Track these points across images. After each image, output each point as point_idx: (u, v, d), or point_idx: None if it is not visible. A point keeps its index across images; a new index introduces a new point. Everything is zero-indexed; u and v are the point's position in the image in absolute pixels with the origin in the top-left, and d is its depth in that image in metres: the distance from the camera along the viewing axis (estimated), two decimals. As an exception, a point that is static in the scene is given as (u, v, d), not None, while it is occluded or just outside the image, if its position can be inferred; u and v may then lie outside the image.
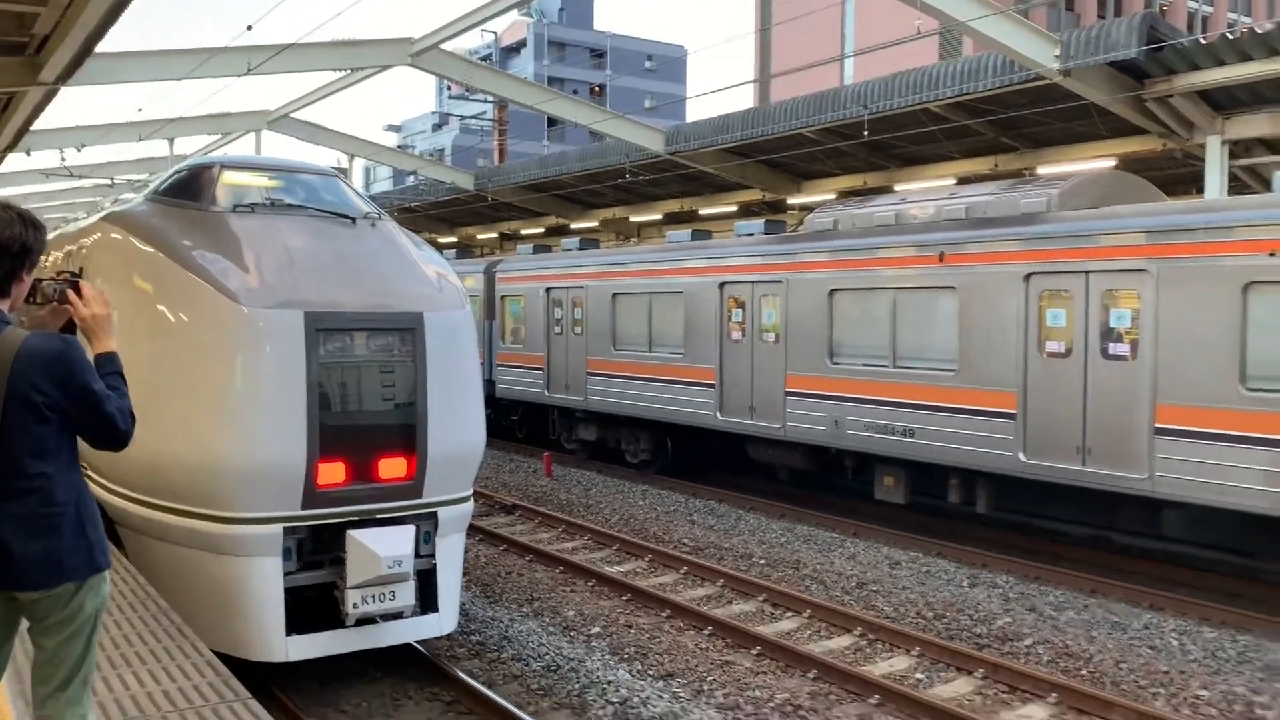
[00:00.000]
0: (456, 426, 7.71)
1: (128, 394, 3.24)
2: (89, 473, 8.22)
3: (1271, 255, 8.97)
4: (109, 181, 23.71)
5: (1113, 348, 10.19)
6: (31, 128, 16.62)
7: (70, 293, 3.30)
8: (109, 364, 3.26)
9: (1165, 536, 11.43)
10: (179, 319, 7.40)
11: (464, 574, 10.89)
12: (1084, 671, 8.28)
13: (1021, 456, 10.89)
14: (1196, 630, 9.15)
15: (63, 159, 21.52)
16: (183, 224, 7.98)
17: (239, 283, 7.21)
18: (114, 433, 3.17)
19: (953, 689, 7.99)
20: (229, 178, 8.45)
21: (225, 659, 6.74)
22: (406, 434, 7.41)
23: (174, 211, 8.22)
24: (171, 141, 22.16)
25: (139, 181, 22.42)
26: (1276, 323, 9.06)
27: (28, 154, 21.07)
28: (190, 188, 8.43)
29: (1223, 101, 12.69)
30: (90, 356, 3.27)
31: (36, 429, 3.07)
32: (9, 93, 13.97)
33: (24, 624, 3.20)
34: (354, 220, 8.29)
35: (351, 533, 7.12)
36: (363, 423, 7.34)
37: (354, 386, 7.37)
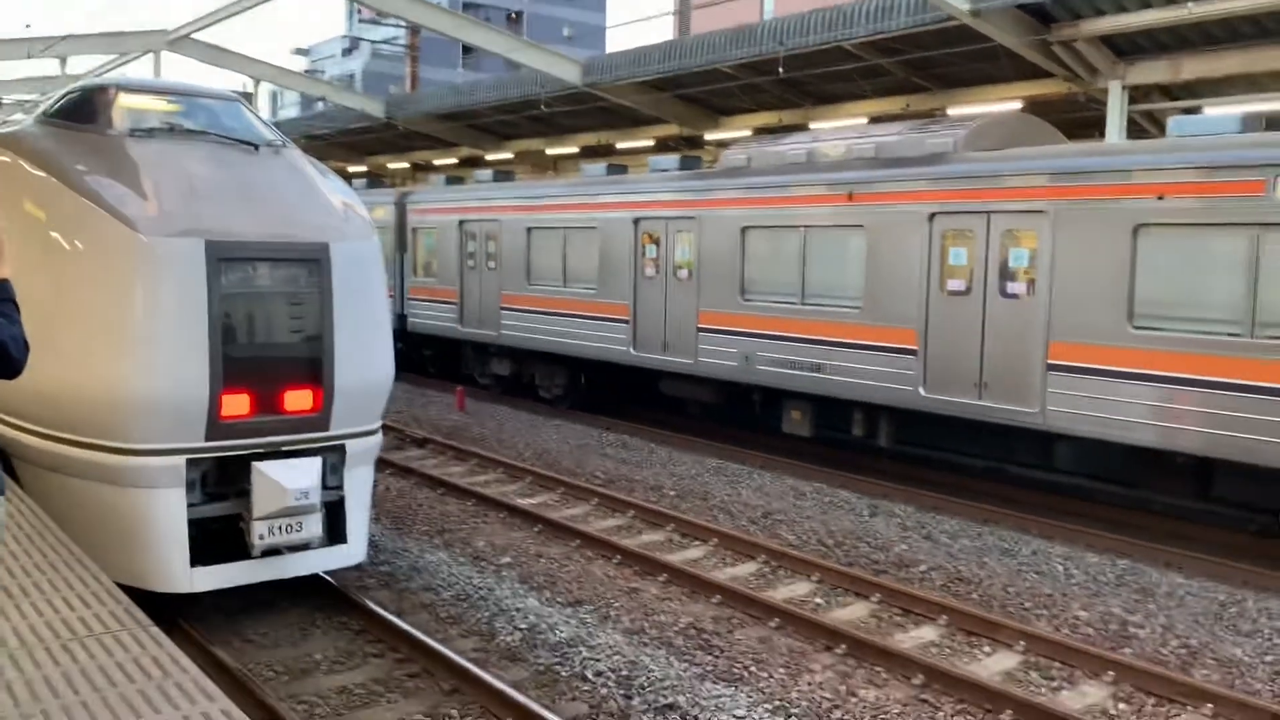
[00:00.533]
0: (364, 359, 7.66)
1: (20, 321, 3.18)
2: (-19, 404, 7.99)
3: (1160, 199, 9.34)
4: (-3, 101, 22.57)
5: (1010, 286, 10.54)
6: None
7: None
8: (1, 291, 3.18)
9: (1057, 469, 11.98)
10: (74, 247, 7.17)
11: (374, 506, 10.91)
12: (974, 595, 8.70)
13: (922, 391, 11.25)
14: (1081, 556, 9.65)
15: (-55, 76, 20.40)
16: (77, 148, 7.69)
17: (137, 210, 7.01)
18: (7, 361, 3.11)
19: (849, 612, 8.32)
20: (126, 100, 8.15)
21: (133, 593, 6.74)
22: (313, 366, 7.34)
23: (68, 135, 7.91)
24: (64, 61, 21.15)
25: (29, 102, 21.39)
26: (1163, 264, 9.46)
27: (-93, 70, 19.95)
28: (85, 110, 8.12)
29: (1125, 47, 13.05)
30: None
31: None
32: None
33: None
34: (257, 147, 8.08)
35: (257, 465, 7.08)
36: (268, 355, 7.25)
37: (259, 318, 7.26)
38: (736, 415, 15.27)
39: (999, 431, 11.35)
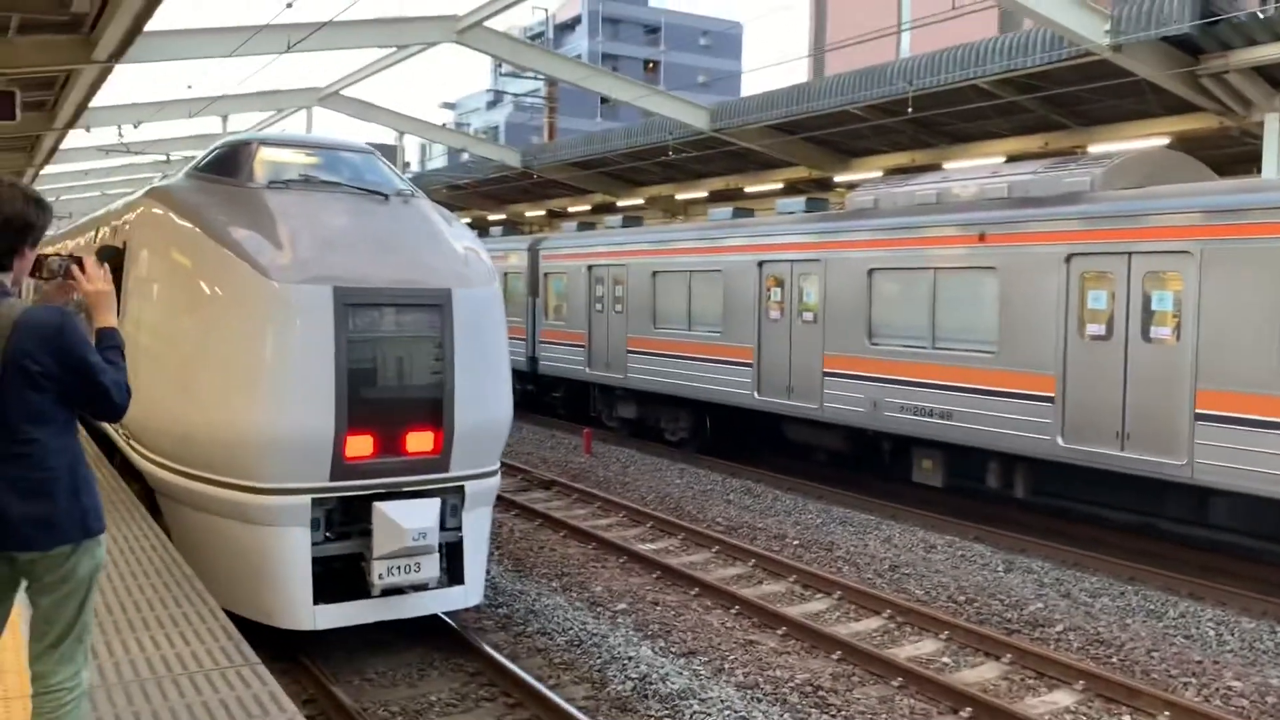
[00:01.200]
0: (483, 401, 7.79)
1: (125, 368, 3.34)
2: (131, 443, 8.46)
3: (1321, 237, 8.70)
4: (165, 157, 24.19)
5: (1154, 331, 9.97)
6: (90, 105, 17.00)
7: (74, 268, 3.40)
8: (109, 339, 3.36)
9: (1211, 524, 11.21)
10: (214, 293, 7.55)
11: (496, 548, 11.05)
12: (1114, 659, 8.17)
13: (1060, 441, 10.71)
14: (1235, 620, 8.96)
15: (120, 135, 21.99)
16: (220, 199, 8.12)
17: (271, 258, 7.32)
18: (109, 404, 3.27)
19: (978, 674, 7.93)
20: (266, 154, 8.58)
21: (260, 627, 6.96)
22: (434, 408, 7.50)
23: (212, 187, 8.37)
24: (225, 118, 22.53)
25: (193, 158, 22.83)
26: (1325, 307, 8.79)
27: (87, 130, 21.57)
28: (228, 164, 8.58)
29: (1281, 78, 12.30)
30: (92, 331, 3.37)
31: (32, 397, 3.17)
32: (66, 70, 14.31)
33: None
34: (387, 197, 8.35)
35: (378, 504, 7.25)
36: (391, 396, 7.44)
37: (383, 361, 7.47)
38: (865, 463, 14.88)
39: (1146, 484, 10.70)
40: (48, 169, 26.18)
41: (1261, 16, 11.31)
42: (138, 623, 4.83)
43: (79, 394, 3.24)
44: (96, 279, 3.40)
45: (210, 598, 5.29)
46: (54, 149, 22.15)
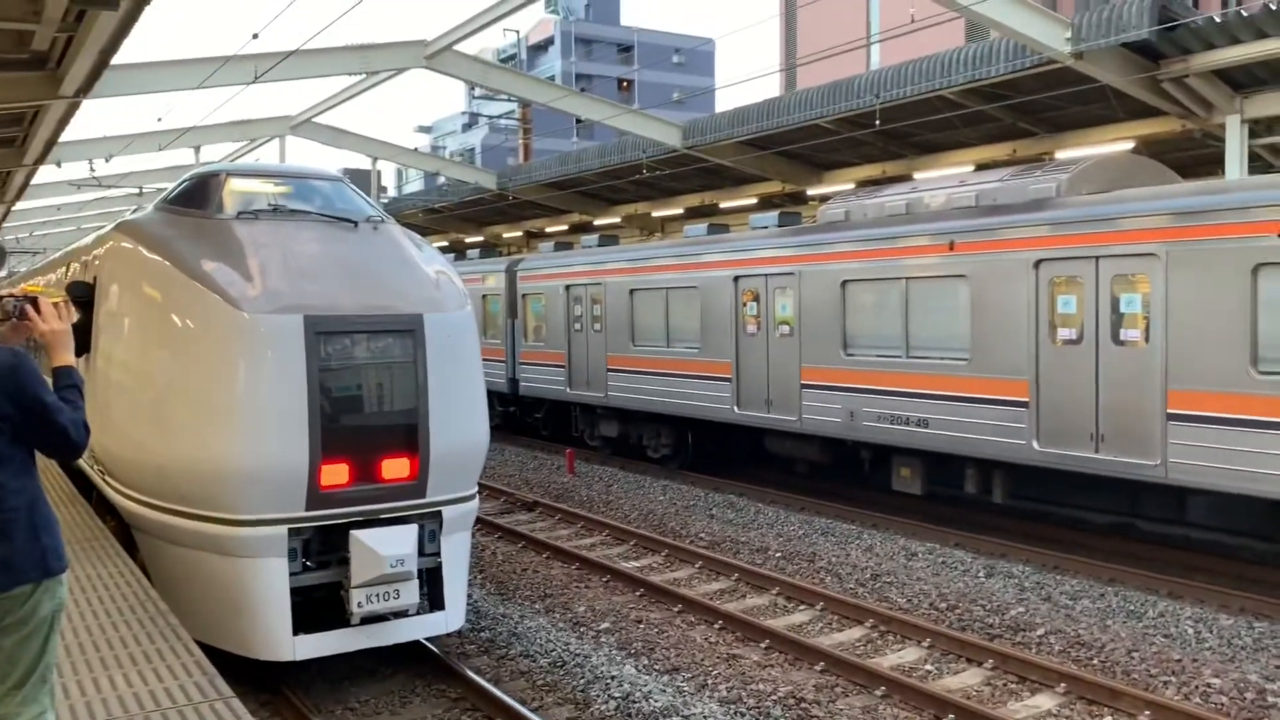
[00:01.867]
0: (458, 426, 7.79)
1: (83, 406, 3.33)
2: (106, 478, 8.41)
3: (1282, 236, 8.82)
4: (138, 190, 24.11)
5: (1124, 333, 10.07)
6: (59, 140, 16.95)
7: (29, 308, 3.39)
8: (66, 377, 3.36)
9: (1190, 522, 11.30)
10: (184, 325, 7.53)
11: (479, 571, 11.03)
12: (1095, 661, 8.21)
13: (1035, 445, 10.79)
14: (1213, 618, 9.03)
15: (92, 170, 21.93)
16: (189, 232, 8.11)
17: (240, 289, 7.32)
18: (66, 443, 3.27)
19: (961, 680, 7.95)
20: (235, 185, 8.58)
21: (241, 659, 6.93)
22: (409, 434, 7.49)
23: (181, 220, 8.36)
24: (197, 149, 22.50)
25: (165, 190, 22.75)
26: (1289, 304, 8.89)
27: (58, 165, 21.48)
28: (197, 196, 8.58)
29: (1241, 80, 12.46)
30: (49, 370, 3.36)
31: None
32: (34, 106, 14.26)
33: None
34: (356, 224, 8.36)
35: (354, 533, 7.22)
36: (365, 424, 7.44)
37: (356, 388, 7.47)
38: (845, 473, 14.93)
39: (1124, 485, 10.79)
40: (19, 205, 26.05)
41: (1218, 20, 11.48)
42: (110, 660, 4.80)
43: (35, 434, 3.23)
44: (51, 318, 3.40)
45: (184, 632, 5.26)
46: (25, 185, 22.05)
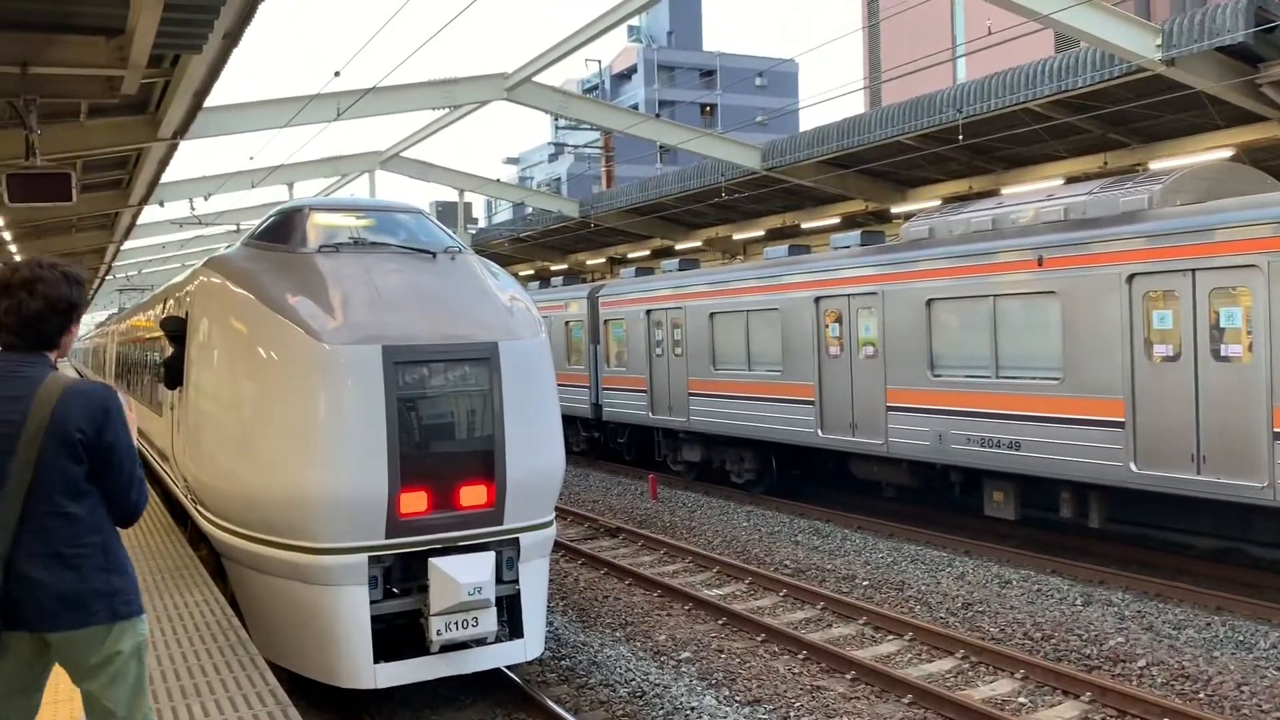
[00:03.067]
0: (535, 452, 7.79)
1: (144, 479, 3.37)
2: (198, 507, 8.64)
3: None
4: (235, 227, 24.94)
5: (1224, 349, 9.61)
6: (161, 180, 17.67)
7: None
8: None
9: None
10: (269, 358, 7.70)
11: (560, 598, 11.02)
12: (1201, 695, 7.80)
13: (1132, 467, 10.35)
14: (1331, 650, 8.51)
15: (192, 209, 22.76)
16: (273, 266, 8.32)
17: (321, 321, 7.46)
18: (128, 498, 3.30)
19: (1056, 713, 7.63)
20: (317, 219, 8.78)
21: (326, 686, 7.01)
22: (485, 461, 7.52)
23: (265, 254, 8.59)
24: (290, 186, 23.17)
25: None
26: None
27: (161, 205, 22.38)
28: (281, 230, 8.81)
29: (1347, 81, 11.88)
30: None
31: (71, 468, 3.17)
32: (136, 149, 14.90)
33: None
34: (434, 255, 8.48)
35: (433, 560, 7.26)
36: (442, 451, 7.49)
37: (433, 417, 7.53)
38: (935, 498, 14.56)
39: (1229, 508, 10.27)
40: (128, 244, 27.22)
41: (1320, 20, 10.96)
42: (189, 689, 4.89)
43: (107, 474, 3.24)
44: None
45: (260, 661, 5.33)
46: (132, 225, 23.03)
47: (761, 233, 22.88)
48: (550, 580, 11.66)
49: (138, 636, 3.29)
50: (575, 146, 57.22)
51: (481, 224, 47.63)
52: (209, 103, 12.47)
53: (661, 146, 21.15)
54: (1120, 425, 10.47)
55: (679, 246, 25.22)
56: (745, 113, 62.00)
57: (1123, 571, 11.09)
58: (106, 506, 3.30)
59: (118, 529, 3.35)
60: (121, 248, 27.22)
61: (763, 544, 13.50)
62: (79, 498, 3.21)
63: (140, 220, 23.47)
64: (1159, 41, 11.62)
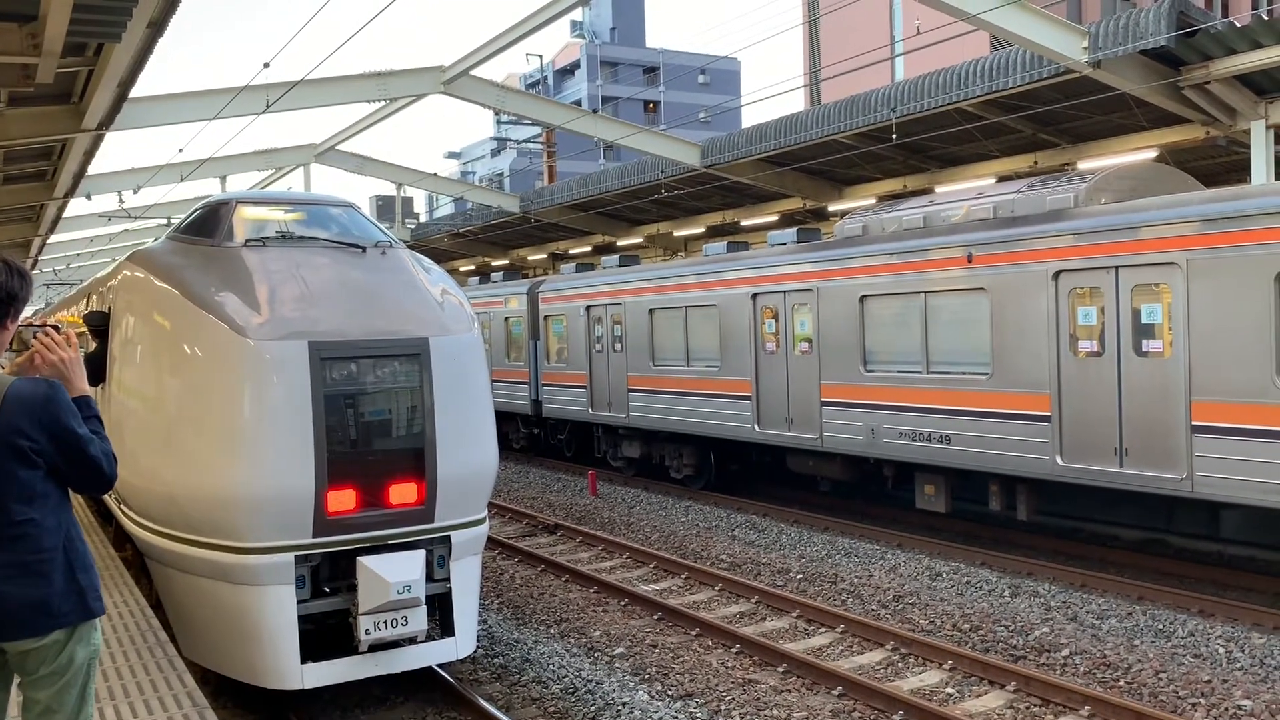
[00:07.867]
0: (466, 449, 7.72)
1: (107, 437, 3.26)
2: (122, 506, 8.44)
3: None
4: (166, 221, 24.39)
5: (1146, 345, 9.85)
6: (87, 172, 17.23)
7: (39, 337, 3.32)
8: (86, 407, 3.25)
9: (1224, 538, 11.02)
10: (192, 354, 7.54)
11: (496, 596, 10.96)
12: (1121, 682, 7.98)
13: (1058, 460, 10.57)
14: (1245, 637, 8.76)
15: (121, 202, 22.22)
16: (197, 260, 8.14)
17: (246, 316, 7.31)
18: (99, 478, 3.18)
19: (983, 703, 7.76)
20: (244, 212, 8.61)
21: (252, 687, 6.88)
22: (416, 459, 7.43)
23: (190, 248, 8.40)
24: (224, 179, 22.73)
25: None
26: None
27: (88, 198, 21.81)
28: (206, 224, 8.62)
29: (1265, 85, 12.23)
30: None
31: (23, 474, 3.07)
32: (59, 140, 14.51)
33: None
34: (364, 249, 8.36)
35: (361, 559, 7.16)
36: (371, 449, 7.39)
37: (362, 413, 7.43)
38: (869, 491, 14.74)
39: (1155, 500, 10.53)
40: (54, 238, 26.49)
41: (1238, 25, 11.27)
42: (103, 692, 4.77)
43: (70, 468, 3.15)
44: (59, 347, 3.31)
45: (179, 663, 5.23)
46: (57, 218, 22.42)
47: (702, 229, 22.97)
48: (485, 578, 11.60)
49: (90, 647, 3.23)
50: (518, 142, 56.90)
51: (423, 219, 47.18)
52: (136, 93, 12.20)
53: (604, 144, 21.11)
54: (1046, 419, 10.68)
55: (620, 243, 25.22)
56: (689, 109, 62.17)
57: (1050, 563, 11.32)
58: (80, 488, 3.22)
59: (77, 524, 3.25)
60: (48, 241, 26.48)
61: (700, 539, 13.55)
62: (35, 503, 3.10)
63: (67, 213, 22.87)
64: (1085, 44, 11.87)
